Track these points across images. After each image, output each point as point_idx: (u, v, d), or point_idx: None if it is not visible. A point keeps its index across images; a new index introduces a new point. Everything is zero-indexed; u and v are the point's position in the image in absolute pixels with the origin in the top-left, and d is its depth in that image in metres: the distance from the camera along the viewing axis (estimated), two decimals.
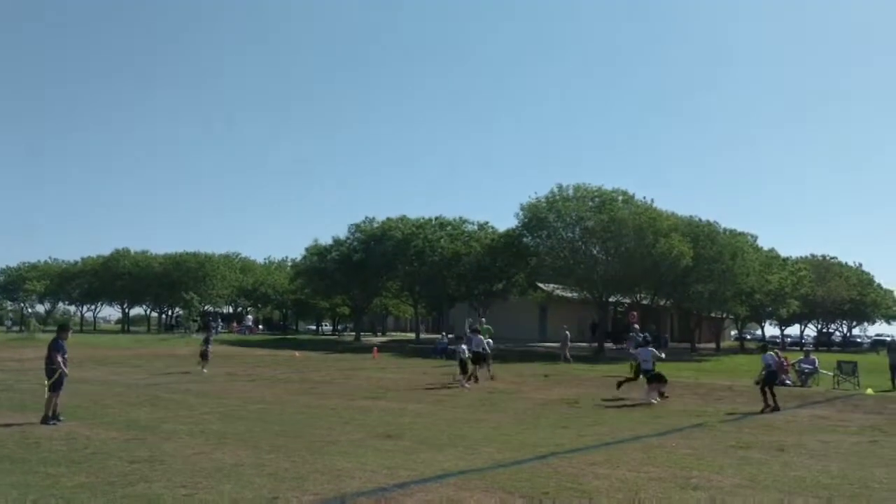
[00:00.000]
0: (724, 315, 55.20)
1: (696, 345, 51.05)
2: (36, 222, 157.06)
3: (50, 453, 9.64)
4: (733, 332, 71.55)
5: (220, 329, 30.46)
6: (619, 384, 19.73)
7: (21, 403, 14.80)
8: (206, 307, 74.71)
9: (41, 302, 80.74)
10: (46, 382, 12.50)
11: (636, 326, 28.87)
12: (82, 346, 38.02)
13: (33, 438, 10.74)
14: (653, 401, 17.71)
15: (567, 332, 34.92)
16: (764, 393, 16.81)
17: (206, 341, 26.68)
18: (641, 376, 18.92)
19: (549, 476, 8.88)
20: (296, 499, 7.52)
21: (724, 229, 43.70)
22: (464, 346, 22.02)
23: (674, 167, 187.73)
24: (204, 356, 25.97)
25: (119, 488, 7.79)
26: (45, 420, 12.27)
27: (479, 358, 22.90)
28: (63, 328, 13.56)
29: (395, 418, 14.14)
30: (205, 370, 25.04)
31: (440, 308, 58.66)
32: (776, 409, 16.43)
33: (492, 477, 8.78)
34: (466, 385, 21.04)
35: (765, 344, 21.03)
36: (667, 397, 18.50)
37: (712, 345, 55.70)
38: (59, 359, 12.60)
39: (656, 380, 18.42)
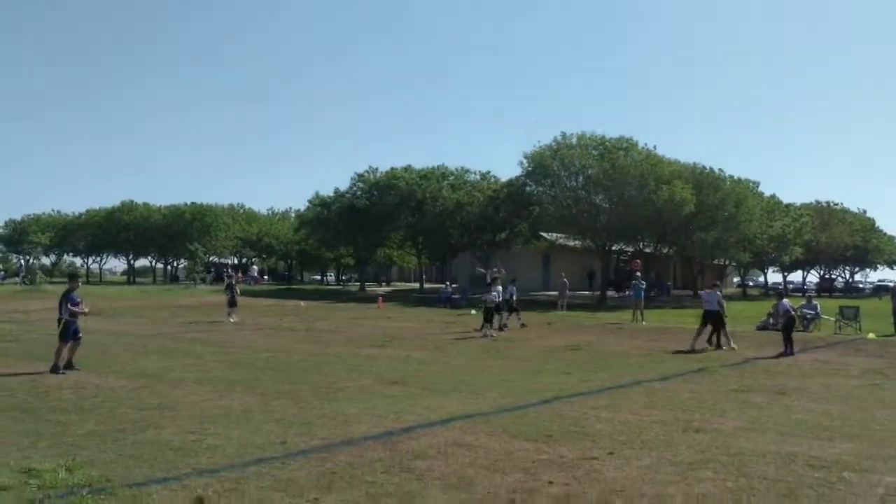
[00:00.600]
0: (727, 262, 55.28)
1: (699, 291, 51.20)
2: (39, 175, 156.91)
3: (60, 402, 9.77)
4: (735, 279, 71.73)
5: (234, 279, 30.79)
6: (708, 339, 18.37)
7: (29, 353, 14.97)
8: (210, 258, 74.99)
9: (46, 254, 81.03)
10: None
11: (638, 274, 28.94)
12: (88, 298, 38.25)
13: (42, 387, 10.87)
14: (733, 346, 17.76)
15: (565, 281, 35.11)
16: (785, 339, 16.96)
17: (231, 288, 26.71)
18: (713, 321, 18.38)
19: (552, 420, 8.99)
20: (304, 443, 7.63)
21: (728, 176, 43.51)
22: (493, 296, 21.95)
23: (678, 116, 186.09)
24: (232, 303, 26.02)
25: (129, 435, 7.91)
26: (54, 369, 12.43)
27: (511, 307, 23.24)
28: (72, 277, 13.98)
29: (400, 365, 14.29)
30: (232, 318, 25.28)
31: (443, 258, 58.82)
32: (791, 353, 16.57)
33: (496, 421, 8.89)
34: (492, 334, 20.99)
35: (781, 292, 21.01)
36: (733, 348, 17.77)
37: None
38: (68, 308, 12.81)
39: (716, 325, 18.26)
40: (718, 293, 18.95)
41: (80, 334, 13.03)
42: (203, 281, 59.09)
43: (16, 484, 5.94)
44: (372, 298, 41.47)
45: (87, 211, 77.77)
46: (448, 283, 45.06)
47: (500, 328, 22.53)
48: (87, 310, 13.43)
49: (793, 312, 17.67)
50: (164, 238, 71.02)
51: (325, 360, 14.88)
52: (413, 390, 11.21)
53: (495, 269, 25.56)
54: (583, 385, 12.06)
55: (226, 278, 29.61)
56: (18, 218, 79.92)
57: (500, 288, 22.94)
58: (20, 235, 77.32)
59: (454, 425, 8.61)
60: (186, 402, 9.96)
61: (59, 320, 12.83)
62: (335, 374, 12.84)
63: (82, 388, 10.93)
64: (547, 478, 6.44)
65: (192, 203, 72.97)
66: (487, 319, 21.38)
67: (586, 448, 7.57)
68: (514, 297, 24.25)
